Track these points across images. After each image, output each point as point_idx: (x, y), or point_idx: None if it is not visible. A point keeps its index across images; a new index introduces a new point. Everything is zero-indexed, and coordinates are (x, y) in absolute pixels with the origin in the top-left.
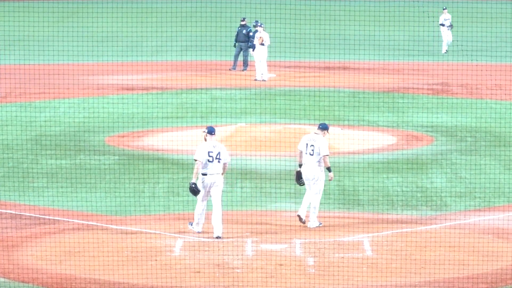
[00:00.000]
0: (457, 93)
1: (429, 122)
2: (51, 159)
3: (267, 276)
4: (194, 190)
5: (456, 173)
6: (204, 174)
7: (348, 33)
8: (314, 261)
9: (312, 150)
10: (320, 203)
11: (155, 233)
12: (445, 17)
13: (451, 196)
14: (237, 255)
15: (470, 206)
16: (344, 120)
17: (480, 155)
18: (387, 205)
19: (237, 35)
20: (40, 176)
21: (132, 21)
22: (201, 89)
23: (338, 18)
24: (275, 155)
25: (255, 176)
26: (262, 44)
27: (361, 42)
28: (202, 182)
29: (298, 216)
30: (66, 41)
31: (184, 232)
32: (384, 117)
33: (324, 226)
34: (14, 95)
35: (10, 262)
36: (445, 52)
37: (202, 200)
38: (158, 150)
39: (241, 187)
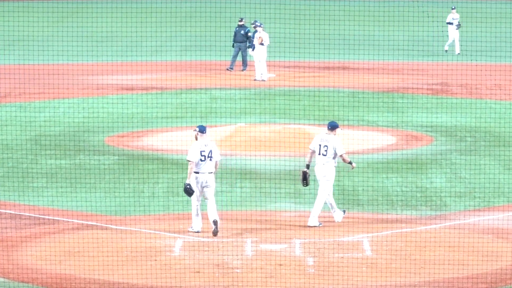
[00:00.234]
0: (456, 93)
1: (429, 122)
2: (50, 159)
3: (266, 276)
4: (189, 191)
5: (455, 173)
6: (196, 173)
7: (348, 33)
8: (314, 261)
9: (326, 150)
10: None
11: (155, 233)
12: (454, 16)
13: (450, 196)
14: (237, 255)
15: (469, 206)
16: (343, 120)
17: (480, 155)
18: (387, 205)
19: (234, 36)
20: (40, 176)
21: (132, 21)
22: (201, 89)
23: (338, 18)
24: (274, 155)
25: (255, 176)
26: (262, 44)
27: (361, 42)
28: (196, 179)
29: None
30: (66, 41)
31: (184, 232)
32: (384, 117)
33: (324, 226)
34: (13, 95)
35: (10, 262)
36: (446, 51)
37: (197, 200)
38: (157, 150)
39: (241, 187)
